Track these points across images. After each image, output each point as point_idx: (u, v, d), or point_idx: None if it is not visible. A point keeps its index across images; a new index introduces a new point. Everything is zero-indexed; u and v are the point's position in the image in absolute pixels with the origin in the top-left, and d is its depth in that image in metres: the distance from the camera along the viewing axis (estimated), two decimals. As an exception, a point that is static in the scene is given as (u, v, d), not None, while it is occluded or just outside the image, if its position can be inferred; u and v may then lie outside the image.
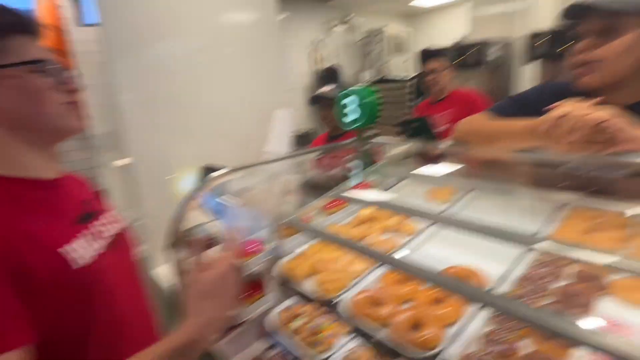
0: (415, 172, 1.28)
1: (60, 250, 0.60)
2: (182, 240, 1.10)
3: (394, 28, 6.40)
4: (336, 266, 0.86)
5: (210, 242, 1.18)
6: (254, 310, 0.99)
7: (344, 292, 0.79)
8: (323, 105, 1.95)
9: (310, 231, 0.89)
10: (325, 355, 0.80)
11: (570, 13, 0.93)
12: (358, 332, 0.77)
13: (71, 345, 0.61)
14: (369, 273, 0.84)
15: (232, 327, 1.08)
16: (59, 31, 2.50)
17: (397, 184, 1.29)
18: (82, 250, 0.63)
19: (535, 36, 3.01)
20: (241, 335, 1.07)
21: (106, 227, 0.74)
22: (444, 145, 1.23)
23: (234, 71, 1.81)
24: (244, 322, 0.99)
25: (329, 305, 0.78)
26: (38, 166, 0.65)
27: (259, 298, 1.00)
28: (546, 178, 1.07)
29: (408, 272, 0.68)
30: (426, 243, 0.94)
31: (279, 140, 1.16)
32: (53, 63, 0.64)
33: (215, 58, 1.74)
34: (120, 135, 1.61)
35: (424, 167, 1.30)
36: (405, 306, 0.74)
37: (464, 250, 0.87)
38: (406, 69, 5.65)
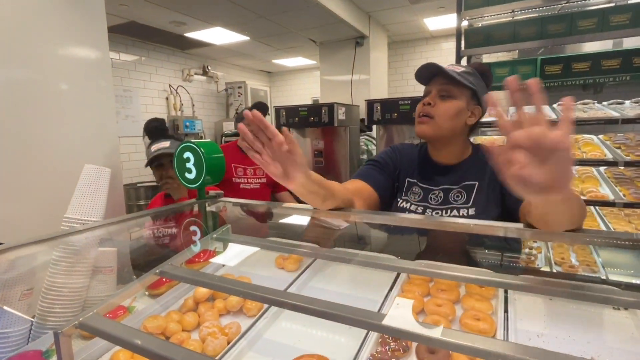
0: (260, 239, 1.17)
1: None
2: None
3: (255, 83, 6.63)
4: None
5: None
6: None
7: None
8: (162, 163, 1.73)
9: (111, 336, 0.65)
10: None
11: (423, 72, 1.11)
12: None
13: None
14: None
15: None
16: None
17: (243, 250, 1.15)
18: None
19: (371, 104, 3.49)
20: None
21: None
22: (289, 206, 1.18)
23: (51, 113, 1.44)
24: None
25: None
26: None
27: None
28: (381, 241, 1.12)
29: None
30: (270, 327, 0.81)
31: (87, 205, 0.89)
32: None
33: (25, 94, 1.36)
34: None
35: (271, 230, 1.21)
36: None
37: (310, 330, 0.78)
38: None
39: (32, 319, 0.80)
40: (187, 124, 5.00)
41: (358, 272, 0.94)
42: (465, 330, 0.70)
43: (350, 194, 1.07)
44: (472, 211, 1.08)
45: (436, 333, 0.49)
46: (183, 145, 1.15)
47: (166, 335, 0.79)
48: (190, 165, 1.16)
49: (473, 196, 1.10)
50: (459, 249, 0.99)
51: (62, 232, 0.88)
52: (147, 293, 0.96)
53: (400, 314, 0.54)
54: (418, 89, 1.34)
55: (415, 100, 3.35)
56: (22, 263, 0.85)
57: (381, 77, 5.33)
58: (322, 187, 0.89)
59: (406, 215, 0.99)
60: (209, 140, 1.19)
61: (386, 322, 0.54)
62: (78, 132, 1.54)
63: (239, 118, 2.41)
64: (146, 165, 1.73)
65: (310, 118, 3.75)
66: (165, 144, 1.69)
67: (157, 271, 0.89)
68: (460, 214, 1.08)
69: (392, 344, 0.69)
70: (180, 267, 0.90)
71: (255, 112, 0.73)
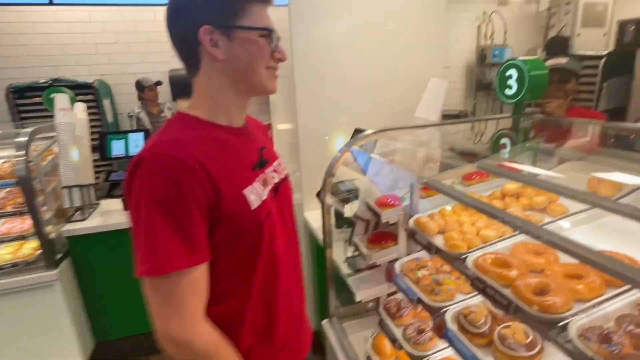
0: (579, 156, 1.16)
1: (244, 191, 0.69)
2: (330, 191, 1.30)
3: (592, -5, 5.28)
4: (469, 229, 0.90)
5: (352, 195, 1.35)
6: (384, 255, 1.11)
7: (473, 251, 0.83)
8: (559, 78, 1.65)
9: (448, 193, 0.94)
10: (445, 304, 0.87)
11: None
12: (479, 291, 0.80)
13: (239, 279, 0.72)
14: (502, 239, 0.85)
15: (365, 268, 1.24)
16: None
17: (555, 167, 1.18)
18: (255, 194, 0.71)
19: None
20: (371, 276, 1.22)
21: (274, 174, 0.82)
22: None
23: (393, 48, 1.89)
24: (375, 265, 1.13)
25: (455, 260, 0.84)
26: (235, 115, 0.75)
27: (391, 246, 1.12)
28: None
29: (552, 243, 0.65)
30: (577, 227, 0.87)
31: (429, 108, 1.21)
32: (276, 33, 0.72)
33: (376, 35, 1.86)
34: (292, 101, 1.90)
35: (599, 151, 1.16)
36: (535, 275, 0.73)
37: (625, 240, 0.78)
38: (601, 45, 4.64)
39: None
40: (496, 52, 4.79)
41: None
42: None
43: None
44: None
45: None
46: (508, 62, 1.25)
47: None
48: (512, 81, 1.26)
49: None
50: None
51: (406, 125, 1.25)
52: (461, 182, 1.22)
53: None
54: None
55: None
56: (386, 144, 1.30)
57: None
58: None
59: None
60: (536, 57, 1.23)
61: None
62: (413, 62, 1.94)
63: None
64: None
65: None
66: (562, 60, 1.70)
67: (475, 165, 1.12)
68: None
69: None
70: (494, 164, 1.09)
71: None
